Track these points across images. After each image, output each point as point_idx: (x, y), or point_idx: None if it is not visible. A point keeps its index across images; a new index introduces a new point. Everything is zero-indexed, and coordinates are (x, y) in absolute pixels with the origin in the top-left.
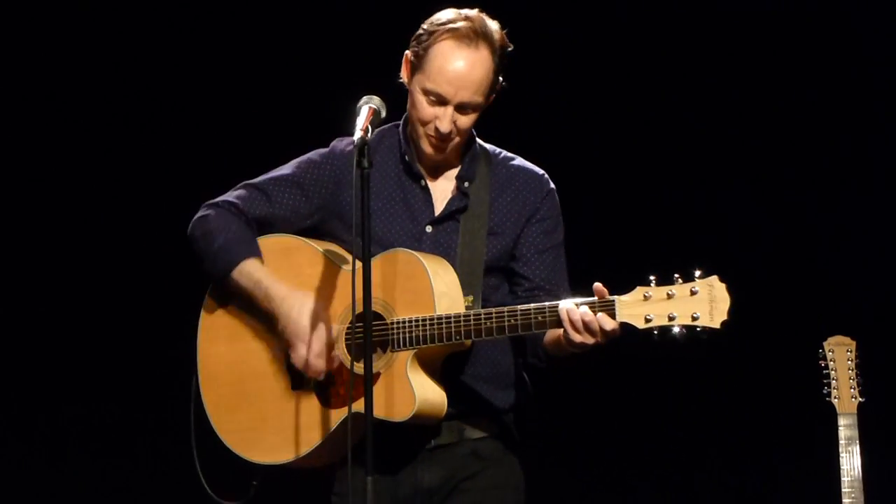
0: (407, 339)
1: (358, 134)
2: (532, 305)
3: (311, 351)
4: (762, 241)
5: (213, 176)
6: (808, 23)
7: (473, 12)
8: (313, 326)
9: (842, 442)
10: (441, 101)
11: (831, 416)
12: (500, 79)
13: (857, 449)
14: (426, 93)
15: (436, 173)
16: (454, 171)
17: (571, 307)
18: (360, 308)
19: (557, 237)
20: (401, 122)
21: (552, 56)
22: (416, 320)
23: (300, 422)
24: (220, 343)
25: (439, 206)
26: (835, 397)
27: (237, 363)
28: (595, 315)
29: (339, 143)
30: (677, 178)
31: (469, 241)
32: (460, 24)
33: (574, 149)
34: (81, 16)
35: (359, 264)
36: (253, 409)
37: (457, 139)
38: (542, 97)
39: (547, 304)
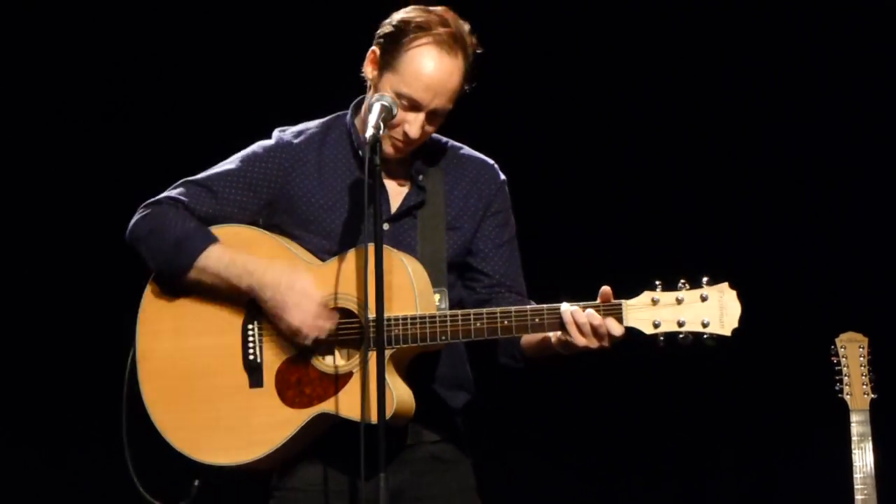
0: (386, 338)
1: (370, 131)
2: (528, 307)
3: (310, 312)
4: (773, 237)
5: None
6: (814, 19)
7: (447, 13)
8: (310, 288)
9: (854, 438)
10: (414, 106)
11: (843, 412)
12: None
13: (869, 445)
14: (399, 96)
15: (388, 166)
16: (406, 164)
17: (576, 310)
18: (338, 303)
19: (511, 230)
20: (349, 113)
21: (551, 56)
22: (398, 319)
23: (258, 422)
24: (165, 339)
25: (395, 202)
26: (847, 394)
27: (185, 359)
28: (603, 319)
29: (283, 135)
30: (682, 174)
31: (428, 237)
32: (439, 29)
33: (570, 150)
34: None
35: (358, 258)
36: (204, 408)
37: (419, 142)
38: (543, 96)
39: (545, 306)
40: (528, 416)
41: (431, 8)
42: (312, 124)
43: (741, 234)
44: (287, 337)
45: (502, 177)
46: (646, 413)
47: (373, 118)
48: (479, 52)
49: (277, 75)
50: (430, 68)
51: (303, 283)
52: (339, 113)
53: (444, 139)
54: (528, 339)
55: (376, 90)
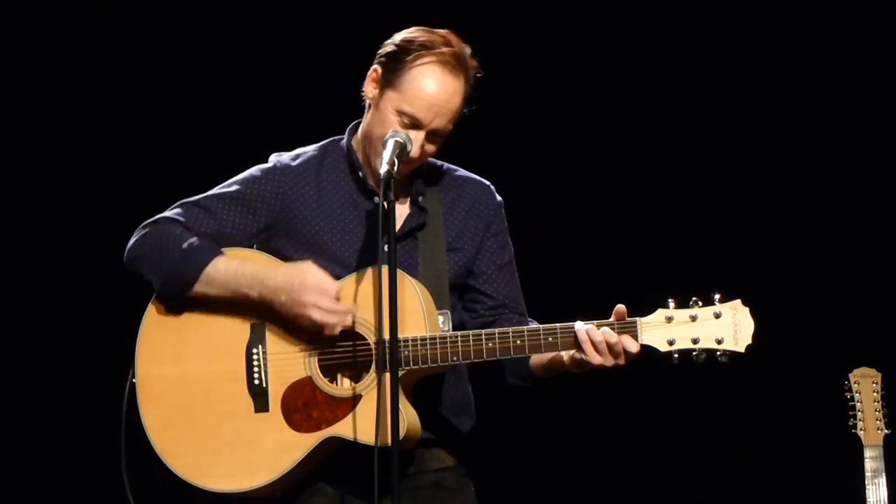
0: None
1: (384, 168)
2: (541, 326)
3: (328, 306)
4: (788, 272)
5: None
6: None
7: (450, 35)
8: (323, 280)
9: (867, 474)
10: (415, 124)
11: (857, 448)
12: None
13: (883, 481)
14: (400, 114)
15: None
16: (407, 185)
17: (592, 328)
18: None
19: (510, 251)
20: (345, 136)
21: (553, 72)
22: (408, 340)
23: (264, 447)
24: (165, 364)
25: (397, 223)
26: (860, 429)
27: (187, 384)
28: (618, 337)
29: (281, 158)
30: (698, 202)
31: (430, 258)
32: (443, 48)
33: (585, 171)
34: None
35: (367, 281)
36: (206, 434)
37: (417, 162)
38: (548, 111)
39: (558, 325)
40: (528, 438)
41: (435, 29)
42: (309, 148)
43: (756, 268)
44: (313, 333)
45: (499, 198)
46: (657, 443)
47: (387, 154)
48: (479, 75)
49: (272, 100)
50: (433, 87)
51: (314, 278)
52: (334, 137)
53: (440, 162)
54: (537, 358)
55: (376, 109)
